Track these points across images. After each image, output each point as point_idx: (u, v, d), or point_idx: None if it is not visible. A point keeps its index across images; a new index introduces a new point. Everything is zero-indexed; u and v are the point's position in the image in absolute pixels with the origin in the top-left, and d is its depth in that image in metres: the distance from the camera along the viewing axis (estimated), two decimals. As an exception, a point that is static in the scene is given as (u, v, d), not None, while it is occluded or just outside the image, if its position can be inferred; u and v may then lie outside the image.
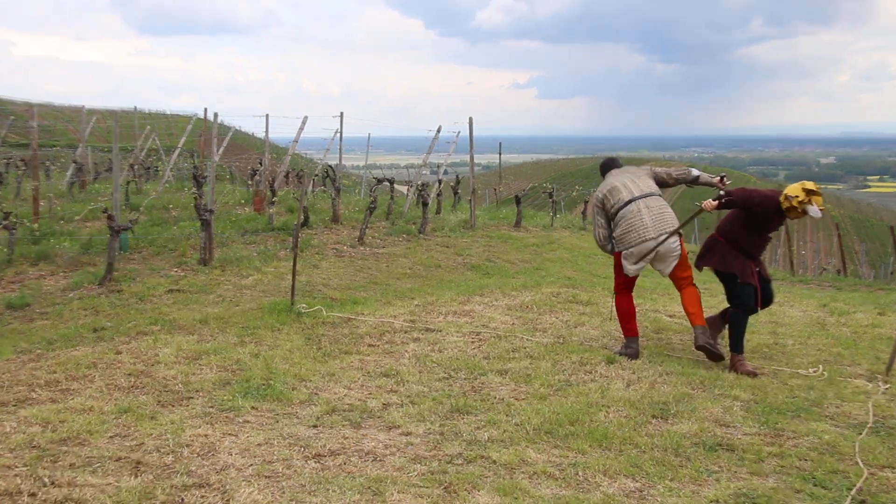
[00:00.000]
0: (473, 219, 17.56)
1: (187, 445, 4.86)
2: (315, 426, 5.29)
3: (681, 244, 7.19)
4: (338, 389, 6.10)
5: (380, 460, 4.72)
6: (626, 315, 7.29)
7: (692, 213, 7.34)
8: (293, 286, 8.99)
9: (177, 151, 24.73)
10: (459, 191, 22.25)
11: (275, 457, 4.73)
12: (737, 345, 6.90)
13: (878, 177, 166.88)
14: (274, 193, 15.74)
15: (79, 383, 6.03)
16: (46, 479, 4.27)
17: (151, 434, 5.04)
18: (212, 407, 5.62)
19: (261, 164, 20.42)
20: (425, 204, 16.22)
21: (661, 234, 7.01)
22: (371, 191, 16.05)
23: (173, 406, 5.62)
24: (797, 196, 6.67)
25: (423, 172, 19.62)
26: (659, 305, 9.69)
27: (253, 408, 5.62)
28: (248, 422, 5.35)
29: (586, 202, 23.36)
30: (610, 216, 7.28)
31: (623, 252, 7.20)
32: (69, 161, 23.42)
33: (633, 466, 4.66)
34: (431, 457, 4.78)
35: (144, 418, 5.31)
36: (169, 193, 19.68)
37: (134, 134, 28.01)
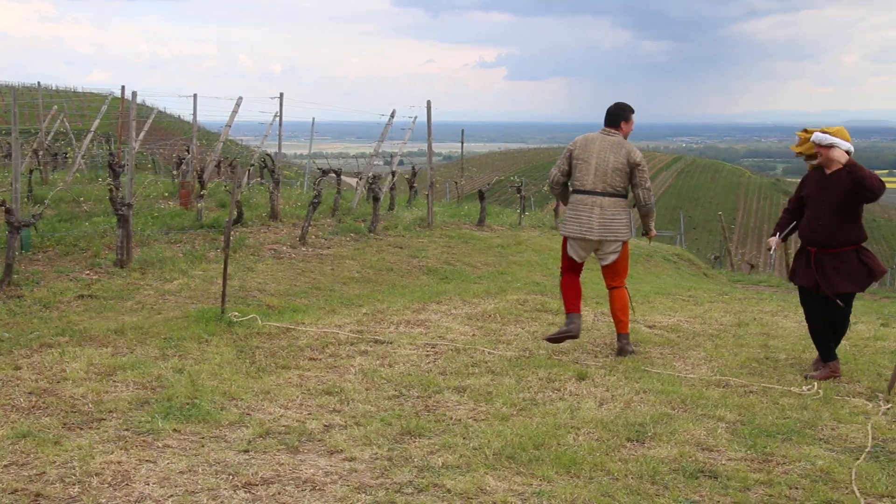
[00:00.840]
0: (431, 216, 17.61)
1: (97, 474, 4.83)
2: (246, 451, 5.28)
3: (624, 247, 7.98)
4: (273, 409, 6.10)
5: (319, 489, 4.74)
6: (569, 292, 7.96)
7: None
8: (224, 292, 8.96)
9: (89, 136, 24.47)
10: (416, 184, 22.29)
11: (199, 486, 4.73)
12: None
13: (887, 171, 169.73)
14: (203, 185, 15.65)
15: (-28, 403, 5.97)
16: (-67, 513, 4.23)
17: (55, 462, 4.99)
18: (127, 430, 5.59)
19: (188, 151, 20.32)
20: (376, 199, 16.23)
21: (602, 238, 7.76)
22: (315, 183, 16.02)
23: (81, 429, 5.58)
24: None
25: (375, 163, 19.64)
26: (637, 315, 9.80)
27: (175, 430, 5.59)
28: (168, 446, 5.33)
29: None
30: (565, 173, 7.99)
31: (566, 237, 7.95)
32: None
33: (604, 496, 4.72)
34: (378, 485, 4.81)
35: (47, 443, 5.26)
36: (80, 184, 19.48)
37: (38, 114, 27.65)
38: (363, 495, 4.66)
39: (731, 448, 5.51)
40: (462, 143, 28.12)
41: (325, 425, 5.79)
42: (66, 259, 11.55)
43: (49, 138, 26.63)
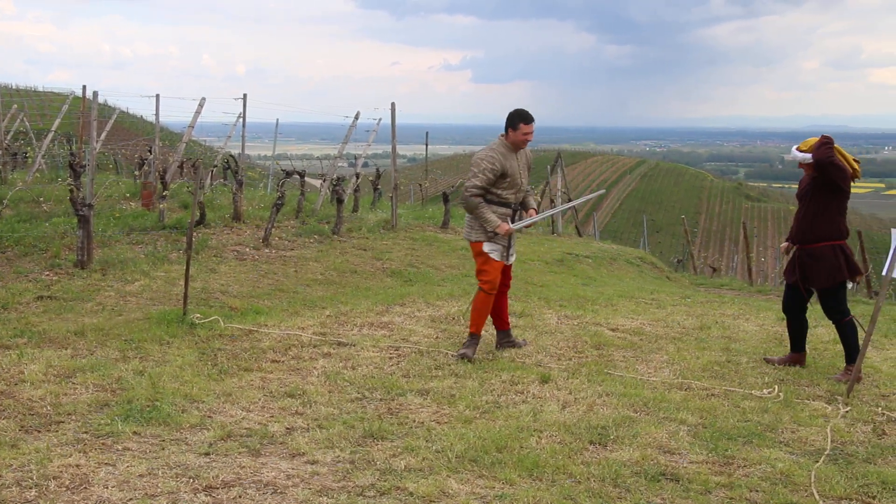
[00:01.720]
0: (395, 218, 17.60)
1: (54, 478, 4.78)
2: (207, 454, 5.25)
3: (473, 247, 7.99)
4: (235, 412, 6.07)
5: (280, 493, 4.72)
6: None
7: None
8: (186, 293, 8.90)
9: (50, 135, 24.21)
10: (380, 186, 22.27)
11: (159, 489, 4.69)
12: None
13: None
14: (165, 186, 15.53)
15: (-73, 405, 5.89)
16: None
17: (11, 465, 4.94)
18: (86, 432, 5.53)
19: (150, 151, 20.15)
20: (340, 201, 16.19)
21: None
22: (279, 185, 15.95)
23: (39, 432, 5.52)
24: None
25: (339, 165, 19.59)
26: (601, 318, 9.85)
27: (135, 433, 5.55)
28: (128, 449, 5.29)
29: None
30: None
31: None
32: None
33: (566, 498, 4.74)
34: (340, 488, 4.80)
35: (4, 446, 5.20)
36: (40, 184, 19.24)
37: (-3, 114, 27.36)
38: (325, 498, 4.65)
39: (692, 451, 5.55)
40: (427, 145, 28.15)
41: (288, 428, 5.77)
42: (26, 260, 11.42)
43: (8, 138, 26.30)
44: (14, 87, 56.04)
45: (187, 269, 8.97)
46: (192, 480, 4.82)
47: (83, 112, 21.67)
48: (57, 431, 5.53)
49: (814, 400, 6.81)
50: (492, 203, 7.72)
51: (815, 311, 8.49)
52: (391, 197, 18.20)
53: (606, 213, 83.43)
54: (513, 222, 7.80)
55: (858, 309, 12.25)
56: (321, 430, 5.71)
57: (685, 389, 7.00)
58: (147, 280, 10.83)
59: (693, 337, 9.07)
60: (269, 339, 8.14)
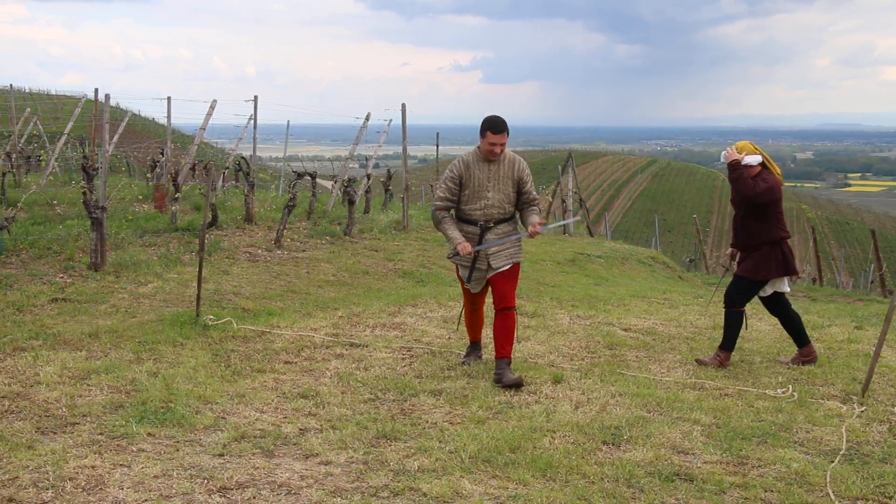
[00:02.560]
0: (406, 219, 17.61)
1: (70, 479, 4.80)
2: (221, 455, 5.27)
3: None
4: (248, 413, 6.08)
5: (294, 493, 4.73)
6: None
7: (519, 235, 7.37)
8: (199, 295, 8.92)
9: (63, 138, 24.31)
10: (391, 187, 22.28)
11: (173, 490, 4.70)
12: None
13: (859, 174, 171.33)
14: (177, 188, 15.59)
15: (-57, 407, 5.92)
16: None
17: (28, 466, 4.96)
18: (101, 434, 5.55)
19: (162, 154, 20.21)
20: (352, 202, 16.21)
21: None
22: (290, 186, 15.99)
23: (55, 433, 5.54)
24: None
25: (350, 166, 19.63)
26: (613, 318, 9.85)
27: (149, 434, 5.57)
28: (143, 450, 5.30)
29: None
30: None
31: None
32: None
33: (580, 499, 4.73)
34: (353, 489, 4.80)
35: (20, 448, 5.22)
36: (54, 187, 19.33)
37: (11, 117, 27.44)
38: (339, 499, 4.65)
39: (706, 451, 5.53)
40: (437, 145, 28.14)
41: (301, 429, 5.77)
42: (40, 262, 11.46)
43: (22, 141, 26.41)
44: (27, 91, 56.24)
45: (200, 271, 8.99)
46: (206, 481, 4.83)
47: (95, 115, 21.75)
48: (72, 433, 5.55)
49: (828, 399, 6.78)
50: (460, 219, 7.22)
51: (826, 310, 8.50)
52: (402, 198, 18.21)
53: (618, 213, 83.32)
54: (481, 242, 7.11)
55: (873, 308, 12.23)
56: (334, 431, 5.72)
57: (698, 389, 6.98)
58: (160, 282, 10.86)
59: (706, 336, 9.05)
60: (282, 340, 8.15)
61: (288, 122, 27.79)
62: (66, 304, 9.49)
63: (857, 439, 5.86)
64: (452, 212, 7.28)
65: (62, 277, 10.73)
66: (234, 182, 23.13)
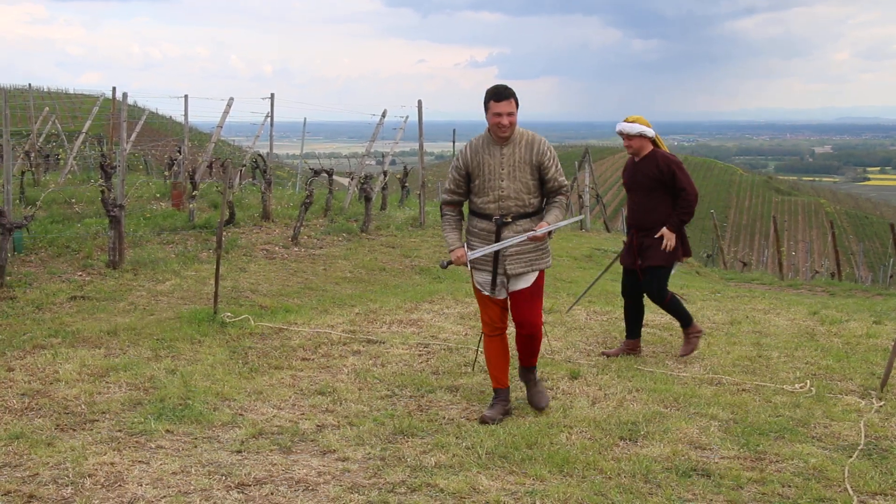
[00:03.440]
0: (423, 216, 17.61)
1: (90, 475, 4.83)
2: (239, 451, 5.29)
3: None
4: (266, 409, 6.10)
5: (312, 490, 4.74)
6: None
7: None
8: (216, 292, 8.95)
9: (81, 137, 24.41)
10: (407, 184, 22.30)
11: (192, 487, 4.73)
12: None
13: (878, 168, 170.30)
14: (195, 186, 15.64)
15: (-36, 405, 5.96)
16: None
17: (48, 463, 5.00)
18: (119, 431, 5.59)
19: (179, 152, 20.28)
20: (368, 199, 16.23)
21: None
22: (307, 184, 16.02)
23: (74, 430, 5.58)
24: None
25: (367, 163, 19.65)
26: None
27: (167, 431, 5.60)
28: (161, 447, 5.33)
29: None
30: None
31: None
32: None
33: (597, 494, 4.73)
34: (371, 485, 4.81)
35: (40, 445, 5.26)
36: (72, 185, 19.43)
37: (30, 116, 27.60)
38: (356, 495, 4.66)
39: (723, 446, 5.52)
40: (454, 142, 28.14)
41: (318, 425, 5.79)
42: (59, 260, 11.53)
43: (41, 140, 26.55)
44: (46, 90, 56.60)
45: (217, 269, 9.03)
46: (224, 478, 4.86)
47: (113, 113, 21.85)
48: (91, 430, 5.59)
49: (846, 394, 6.74)
50: (474, 214, 6.07)
51: (845, 304, 8.45)
52: (419, 194, 18.22)
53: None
54: (498, 241, 5.90)
55: (892, 302, 12.15)
56: (352, 428, 5.74)
57: (715, 384, 6.96)
58: (178, 279, 10.91)
59: (723, 332, 9.02)
60: (299, 337, 8.17)
61: (305, 119, 27.88)
62: (84, 302, 9.54)
63: (876, 434, 5.83)
64: (465, 207, 6.17)
65: (81, 275, 10.79)
66: (251, 179, 23.19)
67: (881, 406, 6.43)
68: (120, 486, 4.72)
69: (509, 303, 6.07)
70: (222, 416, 5.90)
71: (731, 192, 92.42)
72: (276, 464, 5.09)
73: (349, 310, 9.49)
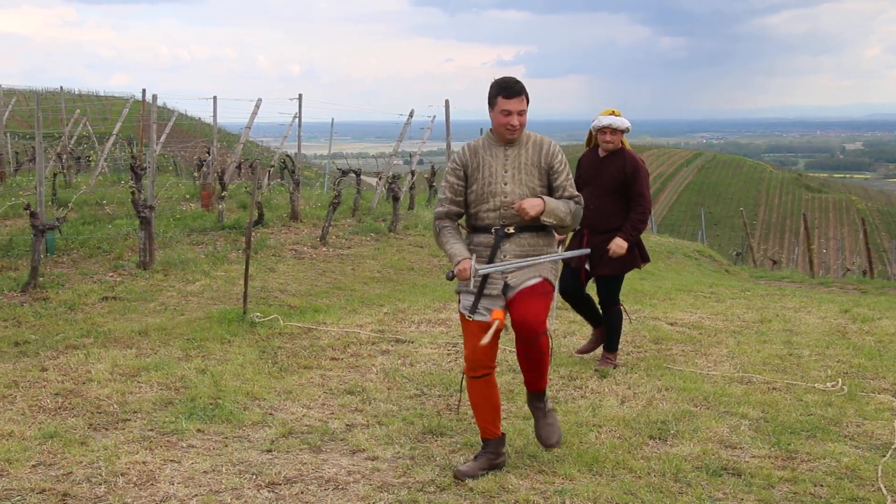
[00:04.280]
0: (451, 215, 17.58)
1: (122, 474, 4.87)
2: (269, 451, 5.32)
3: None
4: (295, 409, 6.13)
5: (342, 489, 4.76)
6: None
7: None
8: (245, 292, 9.00)
9: (111, 139, 24.64)
10: (435, 183, 22.31)
11: (223, 486, 4.76)
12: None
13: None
14: (224, 187, 15.73)
15: (-1, 404, 6.03)
16: (-39, 514, 4.28)
17: (81, 462, 5.04)
18: (151, 430, 5.63)
19: (208, 153, 20.38)
20: (396, 198, 16.25)
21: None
22: (335, 184, 16.07)
23: (107, 429, 5.63)
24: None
25: (395, 162, 19.68)
26: (659, 312, 9.78)
27: (198, 430, 5.63)
28: (192, 446, 5.37)
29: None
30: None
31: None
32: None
33: (626, 494, 4.71)
34: (400, 484, 4.82)
35: (73, 444, 5.31)
36: (103, 187, 19.60)
37: (61, 118, 27.89)
38: (386, 494, 4.68)
39: (754, 445, 5.49)
40: (481, 141, 28.17)
41: (348, 425, 5.81)
42: (90, 261, 11.64)
43: (72, 142, 26.82)
44: (76, 93, 57.12)
45: (246, 269, 9.08)
46: (254, 477, 4.89)
47: (143, 115, 22.02)
48: (124, 429, 5.64)
49: (879, 393, 6.68)
50: (472, 228, 5.17)
51: (877, 302, 8.38)
52: (446, 194, 18.20)
53: (663, 207, 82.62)
54: (495, 255, 4.99)
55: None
56: (381, 427, 5.75)
57: (746, 383, 6.92)
58: (207, 280, 10.98)
59: (753, 330, 8.97)
60: (328, 336, 8.20)
61: (332, 119, 27.94)
62: (116, 303, 9.62)
63: (909, 433, 5.78)
64: (463, 220, 5.26)
65: (112, 276, 10.88)
66: (279, 180, 23.29)
67: (914, 405, 6.37)
68: (152, 484, 4.76)
69: (510, 308, 4.98)
70: (252, 415, 5.93)
71: (761, 189, 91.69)
72: (306, 463, 5.11)
73: (378, 309, 9.51)
